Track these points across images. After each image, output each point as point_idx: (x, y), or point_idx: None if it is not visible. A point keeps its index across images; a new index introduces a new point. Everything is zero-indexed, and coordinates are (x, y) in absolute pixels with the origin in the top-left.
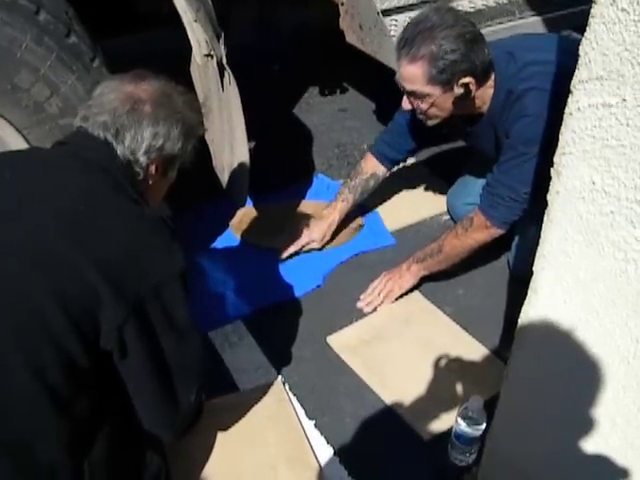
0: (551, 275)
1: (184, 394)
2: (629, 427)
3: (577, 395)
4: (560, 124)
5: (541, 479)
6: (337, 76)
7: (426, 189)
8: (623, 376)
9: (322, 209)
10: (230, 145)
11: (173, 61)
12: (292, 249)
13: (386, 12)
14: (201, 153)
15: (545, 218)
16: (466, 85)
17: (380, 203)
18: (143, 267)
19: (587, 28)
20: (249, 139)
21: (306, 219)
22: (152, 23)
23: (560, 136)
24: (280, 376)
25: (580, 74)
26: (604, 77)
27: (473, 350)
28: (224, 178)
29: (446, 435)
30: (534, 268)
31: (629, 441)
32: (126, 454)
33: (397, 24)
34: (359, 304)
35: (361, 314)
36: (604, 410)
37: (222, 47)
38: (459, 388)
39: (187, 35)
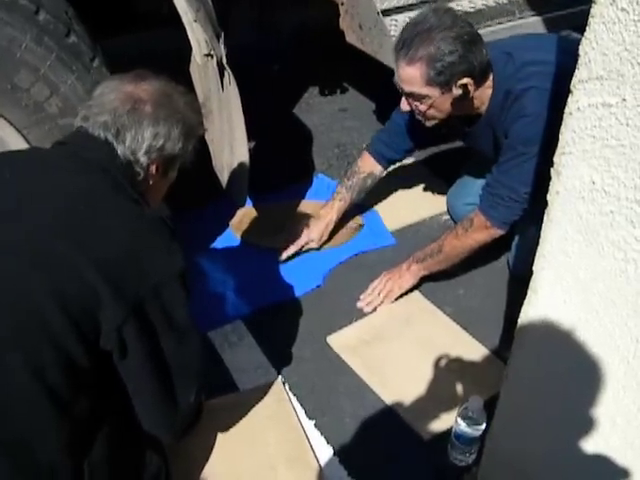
0: (551, 275)
1: (184, 394)
2: (629, 427)
3: (577, 395)
4: (560, 124)
5: (541, 479)
6: (337, 76)
7: (426, 189)
8: (623, 376)
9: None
10: (230, 145)
11: (173, 61)
12: (292, 249)
13: (386, 12)
14: (201, 153)
15: (545, 218)
16: (464, 86)
17: (380, 203)
18: (143, 267)
19: (587, 28)
20: (249, 139)
21: (306, 219)
22: (152, 23)
23: (560, 136)
24: (280, 376)
25: (580, 74)
26: (604, 77)
27: (473, 350)
28: (224, 178)
29: (446, 435)
30: (534, 268)
31: (629, 441)
32: (126, 454)
33: (397, 24)
34: (359, 304)
35: (361, 314)
36: (604, 410)
37: (222, 47)
38: (459, 388)
39: (187, 35)
